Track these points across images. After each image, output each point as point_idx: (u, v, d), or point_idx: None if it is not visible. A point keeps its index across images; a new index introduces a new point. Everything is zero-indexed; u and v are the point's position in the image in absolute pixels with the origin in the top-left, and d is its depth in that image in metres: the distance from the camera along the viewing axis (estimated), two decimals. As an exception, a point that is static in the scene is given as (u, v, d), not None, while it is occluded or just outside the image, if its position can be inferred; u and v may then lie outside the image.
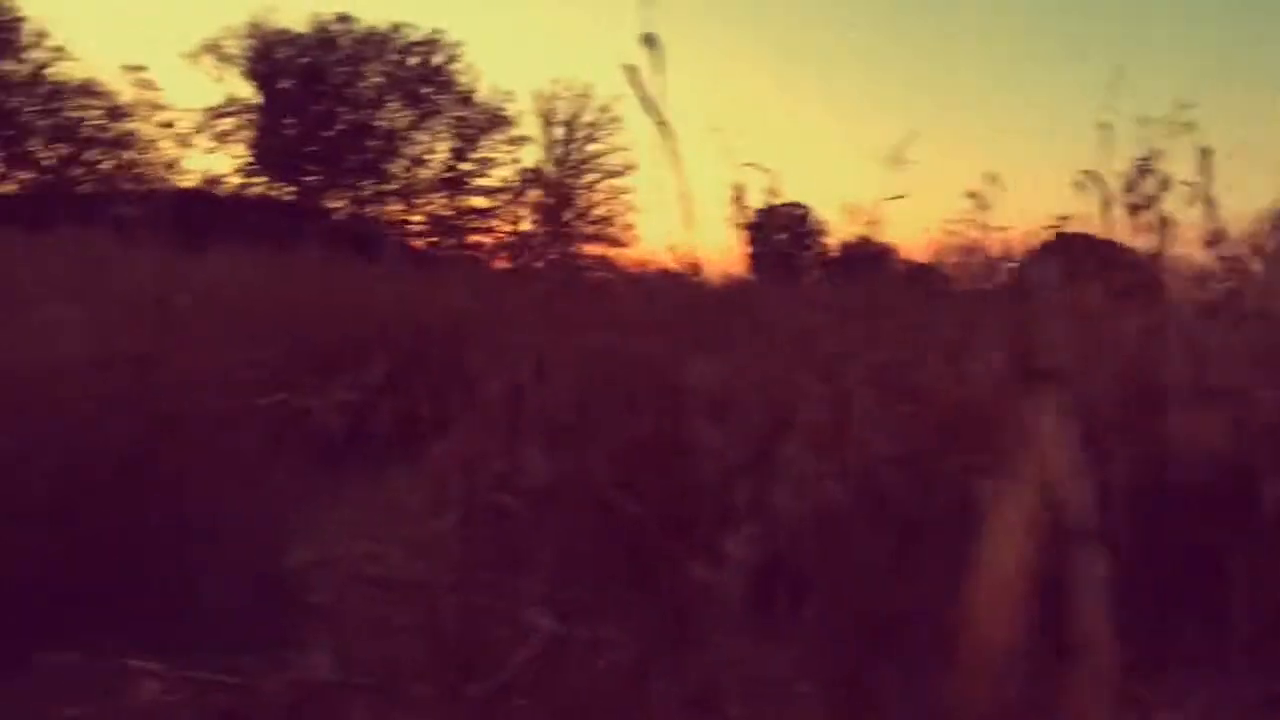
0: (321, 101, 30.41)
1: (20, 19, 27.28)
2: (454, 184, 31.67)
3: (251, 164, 29.86)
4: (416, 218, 31.59)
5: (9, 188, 26.94)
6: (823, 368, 2.65)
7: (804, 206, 13.93)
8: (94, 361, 3.03)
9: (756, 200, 3.68)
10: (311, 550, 3.70)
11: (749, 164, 3.39)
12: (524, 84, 46.44)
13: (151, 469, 2.96)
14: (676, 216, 2.29)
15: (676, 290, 4.93)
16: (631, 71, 2.00)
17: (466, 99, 31.51)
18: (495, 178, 31.74)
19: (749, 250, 5.04)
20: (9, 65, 27.44)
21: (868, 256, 5.37)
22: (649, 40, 1.99)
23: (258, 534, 3.25)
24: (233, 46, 29.67)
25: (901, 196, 3.09)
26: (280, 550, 3.32)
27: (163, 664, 2.58)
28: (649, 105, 2.03)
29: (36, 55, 27.62)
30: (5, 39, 27.22)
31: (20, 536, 2.70)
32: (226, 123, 29.65)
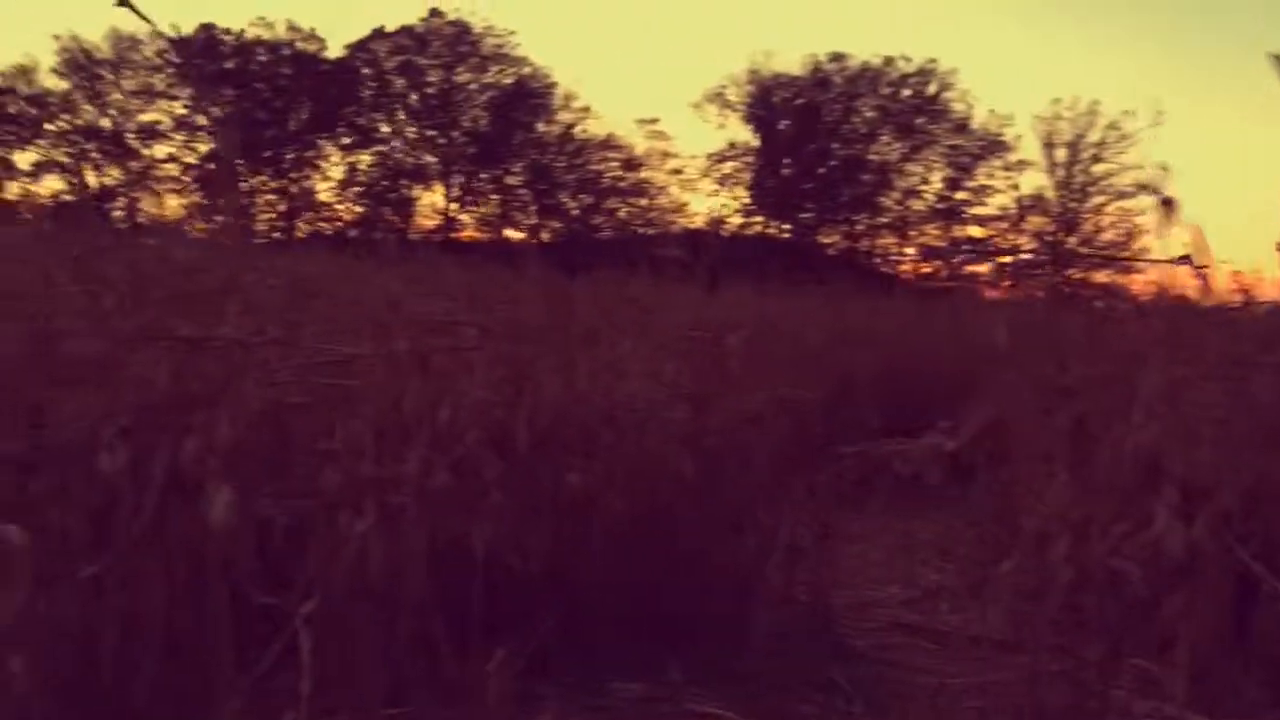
0: (816, 140, 31.08)
1: (553, 85, 30.52)
2: (949, 214, 31.04)
3: (750, 204, 31.16)
4: (910, 250, 31.33)
5: (543, 236, 30.11)
6: None
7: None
8: (653, 397, 3.12)
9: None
10: (857, 593, 3.61)
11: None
12: (1025, 106, 44.84)
13: (711, 504, 2.99)
14: None
15: (1238, 317, 4.34)
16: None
17: (962, 127, 30.81)
18: (993, 205, 30.76)
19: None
20: (544, 127, 30.76)
21: None
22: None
23: (806, 573, 3.21)
24: (734, 93, 31.21)
25: None
26: (827, 591, 3.26)
27: (726, 706, 2.58)
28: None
29: (565, 116, 30.77)
30: (541, 104, 30.53)
31: (594, 568, 2.82)
32: (728, 166, 31.24)
